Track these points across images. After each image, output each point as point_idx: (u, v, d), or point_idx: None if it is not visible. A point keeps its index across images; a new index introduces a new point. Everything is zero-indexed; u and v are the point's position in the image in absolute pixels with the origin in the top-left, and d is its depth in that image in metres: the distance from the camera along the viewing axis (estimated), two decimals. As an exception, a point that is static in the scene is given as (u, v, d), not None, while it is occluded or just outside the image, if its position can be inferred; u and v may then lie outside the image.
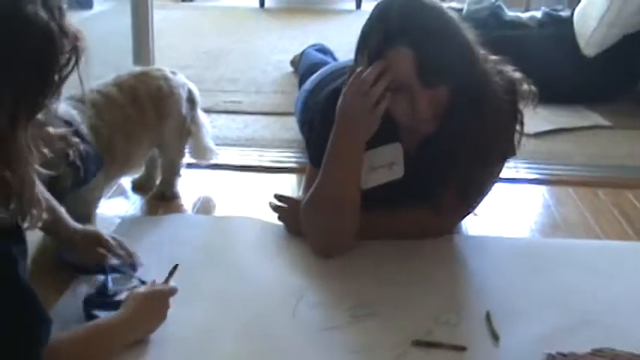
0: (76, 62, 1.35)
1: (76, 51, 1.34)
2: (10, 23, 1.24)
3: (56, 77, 1.32)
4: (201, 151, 2.48)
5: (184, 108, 2.34)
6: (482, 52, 1.89)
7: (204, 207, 2.38)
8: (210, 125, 2.56)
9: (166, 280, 1.75)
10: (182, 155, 2.43)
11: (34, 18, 1.25)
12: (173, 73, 2.37)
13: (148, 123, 2.23)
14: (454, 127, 1.85)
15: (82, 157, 1.69)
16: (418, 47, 1.78)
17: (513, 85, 1.92)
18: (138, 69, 2.31)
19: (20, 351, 1.33)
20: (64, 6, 1.33)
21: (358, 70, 1.85)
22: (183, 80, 2.38)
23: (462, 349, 1.64)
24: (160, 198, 2.40)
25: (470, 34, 1.87)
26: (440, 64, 1.77)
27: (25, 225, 1.32)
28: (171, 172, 2.42)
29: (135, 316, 1.60)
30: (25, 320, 1.33)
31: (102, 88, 2.15)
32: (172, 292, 1.69)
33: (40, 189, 1.39)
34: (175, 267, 1.80)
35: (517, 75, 1.94)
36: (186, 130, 2.37)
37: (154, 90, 2.25)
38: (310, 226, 2.01)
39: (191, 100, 2.38)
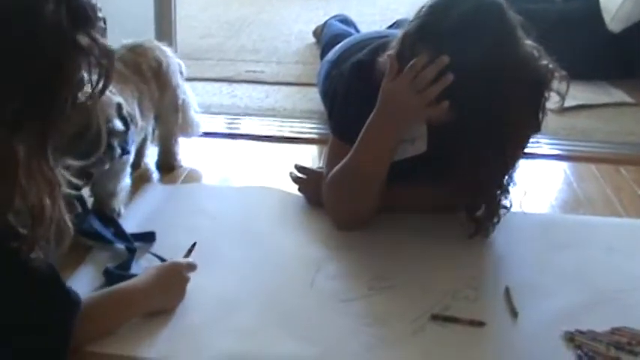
0: (102, 84, 1.27)
1: (102, 70, 1.26)
2: (20, 18, 1.14)
3: (66, 95, 1.22)
4: (186, 124, 2.45)
5: (179, 79, 2.35)
6: (524, 41, 1.80)
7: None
8: (195, 98, 2.54)
9: (186, 256, 1.76)
10: (177, 125, 2.42)
11: (49, 19, 1.16)
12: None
13: (152, 95, 2.22)
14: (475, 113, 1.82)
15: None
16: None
17: (545, 77, 1.87)
18: (130, 42, 2.28)
19: (51, 340, 1.34)
20: (101, 20, 1.25)
21: (415, 60, 1.75)
22: (171, 52, 2.39)
23: (481, 324, 1.63)
24: (166, 168, 2.41)
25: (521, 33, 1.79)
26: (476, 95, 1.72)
27: (34, 255, 1.24)
28: (172, 142, 2.42)
29: (154, 285, 1.60)
30: (56, 307, 1.34)
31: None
32: (192, 267, 1.70)
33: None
34: (194, 245, 1.81)
35: (550, 65, 1.86)
36: (180, 101, 2.37)
37: (154, 62, 2.25)
38: (335, 199, 2.00)
39: (181, 72, 2.39)
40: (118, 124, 1.86)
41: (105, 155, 1.83)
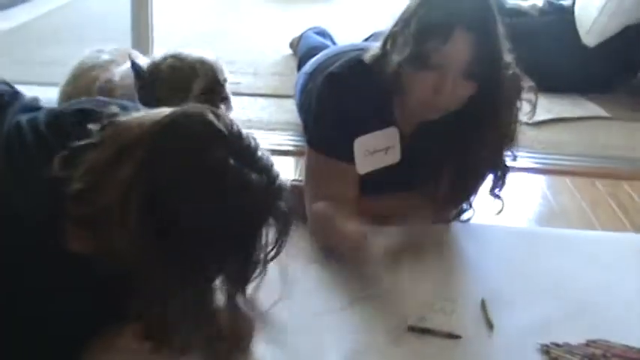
0: (281, 244, 1.37)
1: (284, 231, 1.36)
2: (235, 193, 1.26)
3: (259, 255, 1.34)
4: None
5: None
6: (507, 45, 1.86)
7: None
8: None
9: None
10: None
11: (258, 193, 1.28)
12: None
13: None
14: (465, 116, 1.85)
15: None
16: (481, 38, 1.76)
17: (519, 81, 1.90)
18: (173, 52, 2.29)
19: None
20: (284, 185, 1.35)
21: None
22: None
23: (457, 337, 1.64)
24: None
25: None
26: (489, 62, 1.77)
27: None
28: None
29: None
30: None
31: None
32: None
33: None
34: None
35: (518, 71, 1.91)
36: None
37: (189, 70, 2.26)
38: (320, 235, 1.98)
39: None
40: None
41: None
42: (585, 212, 2.33)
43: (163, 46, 2.48)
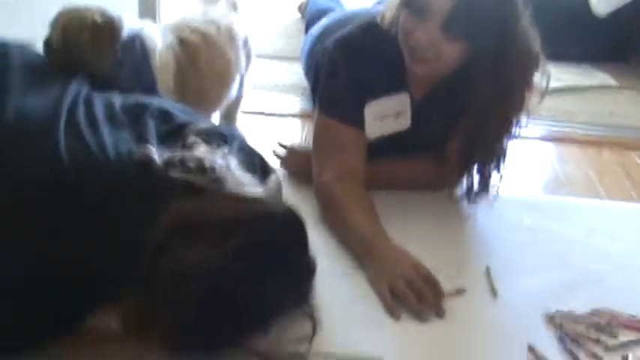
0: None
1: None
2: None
3: None
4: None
5: None
6: (526, 15, 1.82)
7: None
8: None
9: None
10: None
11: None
12: None
13: (240, 64, 2.26)
14: (470, 85, 1.82)
15: None
16: None
17: (532, 57, 1.87)
18: (206, 16, 2.25)
19: None
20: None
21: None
22: None
23: (462, 291, 1.66)
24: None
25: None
26: (479, 24, 1.73)
27: None
28: (236, 112, 2.45)
29: None
30: None
31: (199, 27, 2.14)
32: None
33: None
34: None
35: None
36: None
37: (242, 34, 2.27)
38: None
39: None
40: None
41: None
42: (592, 181, 2.32)
43: (170, 11, 2.46)
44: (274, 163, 2.13)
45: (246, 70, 2.35)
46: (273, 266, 1.28)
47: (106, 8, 1.86)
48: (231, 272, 1.24)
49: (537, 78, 1.88)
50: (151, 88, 1.92)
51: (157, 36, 2.02)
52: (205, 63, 2.10)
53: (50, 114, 1.42)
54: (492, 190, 1.98)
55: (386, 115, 1.93)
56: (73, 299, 1.31)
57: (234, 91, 2.28)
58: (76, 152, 1.36)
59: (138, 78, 1.89)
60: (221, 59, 2.15)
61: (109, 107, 1.51)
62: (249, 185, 1.39)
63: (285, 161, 2.13)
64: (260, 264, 1.27)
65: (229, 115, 2.41)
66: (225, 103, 2.27)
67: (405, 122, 1.96)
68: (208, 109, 2.19)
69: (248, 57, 2.33)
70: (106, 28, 1.82)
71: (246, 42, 2.29)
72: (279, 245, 1.30)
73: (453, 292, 1.65)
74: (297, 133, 2.53)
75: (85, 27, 1.79)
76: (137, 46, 1.93)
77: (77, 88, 1.55)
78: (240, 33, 2.26)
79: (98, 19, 1.81)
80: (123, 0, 3.16)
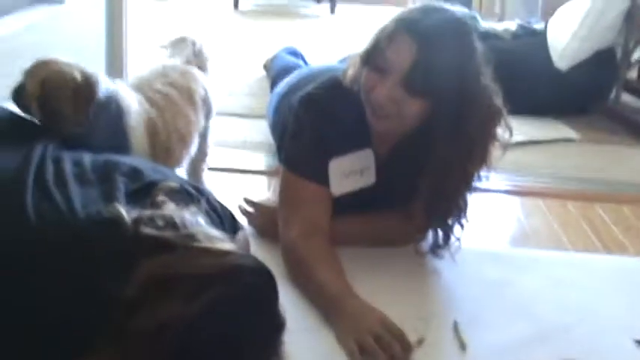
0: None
1: None
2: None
3: None
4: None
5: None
6: (487, 71, 1.87)
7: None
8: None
9: None
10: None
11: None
12: None
13: (199, 123, 2.26)
14: (431, 141, 1.84)
15: None
16: (424, 51, 1.76)
17: (499, 115, 1.90)
18: (175, 65, 2.30)
19: None
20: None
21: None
22: None
23: (422, 340, 1.65)
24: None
25: (481, 56, 1.85)
26: (440, 79, 1.76)
27: None
28: (202, 169, 2.46)
29: None
30: None
31: (161, 88, 2.15)
32: None
33: None
34: None
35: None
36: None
37: (202, 90, 2.28)
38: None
39: None
40: None
41: None
42: (557, 233, 2.34)
43: (137, 64, 2.47)
44: (242, 219, 2.13)
45: (207, 125, 2.37)
46: (245, 321, 1.27)
47: (84, 66, 1.87)
48: (204, 328, 1.23)
49: (499, 131, 1.91)
50: (124, 147, 1.92)
51: (132, 97, 2.02)
52: (171, 123, 2.11)
53: (17, 173, 1.42)
54: (456, 243, 1.99)
55: (351, 172, 1.94)
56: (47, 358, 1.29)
57: (193, 148, 2.28)
58: (44, 212, 1.35)
59: (111, 137, 1.89)
60: (183, 119, 2.16)
61: (78, 166, 1.51)
62: (219, 240, 1.39)
63: (251, 217, 2.13)
64: (233, 319, 1.26)
65: (195, 172, 2.41)
66: (187, 160, 2.28)
67: (369, 178, 1.97)
68: (173, 167, 2.19)
69: (208, 113, 2.34)
70: (86, 86, 1.83)
71: (205, 99, 2.30)
72: (250, 300, 1.29)
73: (416, 343, 1.64)
74: (264, 190, 2.53)
75: (66, 83, 1.80)
76: (112, 106, 1.92)
77: (45, 147, 1.54)
78: (200, 90, 2.27)
79: (78, 76, 1.82)
80: (91, 56, 3.19)
